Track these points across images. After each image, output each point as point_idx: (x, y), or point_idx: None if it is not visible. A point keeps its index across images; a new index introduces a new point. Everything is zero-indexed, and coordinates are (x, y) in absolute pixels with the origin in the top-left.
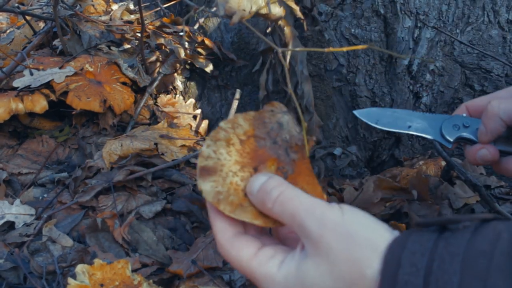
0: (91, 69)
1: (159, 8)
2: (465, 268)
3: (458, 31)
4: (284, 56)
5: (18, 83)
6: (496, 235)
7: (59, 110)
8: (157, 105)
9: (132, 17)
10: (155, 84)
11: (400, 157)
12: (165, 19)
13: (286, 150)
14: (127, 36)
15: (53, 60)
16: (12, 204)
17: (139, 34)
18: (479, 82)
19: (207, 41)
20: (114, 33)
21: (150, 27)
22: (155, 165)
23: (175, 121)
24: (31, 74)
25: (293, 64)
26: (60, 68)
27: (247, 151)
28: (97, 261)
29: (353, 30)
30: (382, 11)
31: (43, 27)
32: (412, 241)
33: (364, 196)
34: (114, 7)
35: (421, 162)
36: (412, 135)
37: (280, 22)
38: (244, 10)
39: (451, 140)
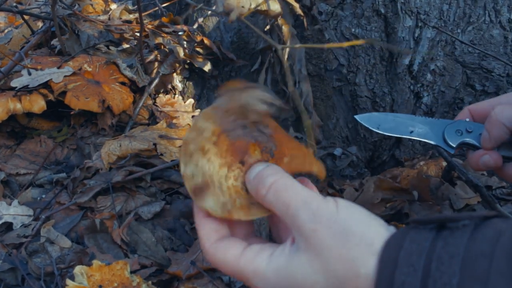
0: (89, 69)
1: (157, 8)
2: (464, 269)
3: (459, 30)
4: (280, 54)
5: (16, 83)
6: (496, 235)
7: (57, 110)
8: (156, 105)
9: (131, 16)
10: (154, 84)
11: (400, 158)
12: (164, 19)
13: (259, 129)
14: (126, 35)
15: (51, 60)
16: (10, 205)
17: (138, 34)
18: (480, 82)
19: (206, 41)
20: (112, 32)
21: (149, 26)
22: (154, 166)
23: (174, 121)
24: (29, 74)
25: (291, 63)
26: (58, 68)
27: (224, 149)
28: (95, 262)
29: (353, 30)
30: (382, 11)
31: (41, 27)
32: (409, 240)
33: (365, 197)
34: (113, 6)
35: (421, 163)
36: None
37: (278, 21)
38: (243, 7)
39: (454, 145)
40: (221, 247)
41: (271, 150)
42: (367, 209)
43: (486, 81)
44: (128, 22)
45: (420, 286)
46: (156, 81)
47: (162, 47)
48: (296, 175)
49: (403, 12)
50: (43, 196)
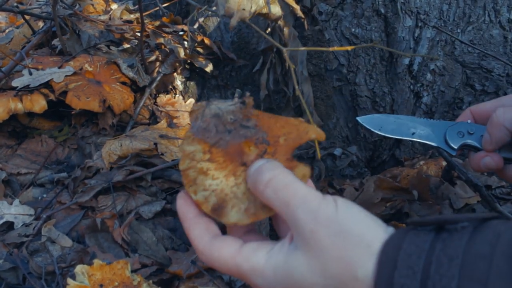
0: (90, 69)
1: (158, 8)
2: (463, 272)
3: (459, 30)
4: (285, 56)
5: (17, 82)
6: (495, 237)
7: (58, 110)
8: (156, 105)
9: (132, 16)
10: (154, 83)
11: (400, 157)
12: (164, 19)
13: (243, 125)
14: (127, 35)
15: (52, 60)
16: (11, 204)
17: (138, 34)
18: (480, 82)
19: (206, 41)
20: (113, 32)
21: (150, 26)
22: (155, 165)
23: (174, 121)
24: (30, 73)
25: (292, 63)
26: (59, 67)
27: (222, 161)
28: (96, 262)
29: (353, 30)
30: (382, 11)
31: (42, 27)
32: (408, 241)
33: (365, 196)
34: (114, 6)
35: (421, 162)
36: None
37: (279, 22)
38: (244, 9)
39: (456, 147)
40: (216, 246)
41: (264, 139)
42: (367, 209)
43: (486, 81)
44: (129, 22)
45: None
46: (157, 81)
47: (163, 47)
48: (298, 149)
49: (403, 12)
50: (44, 195)
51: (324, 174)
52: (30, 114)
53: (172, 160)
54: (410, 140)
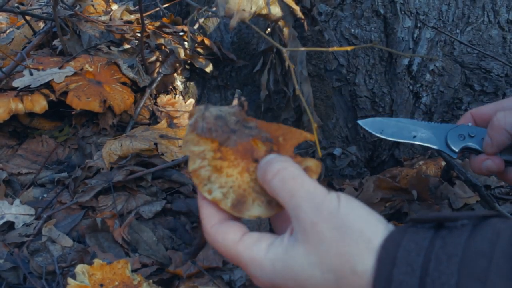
0: (91, 69)
1: (158, 9)
2: (463, 270)
3: (458, 31)
4: (285, 57)
5: (17, 83)
6: (495, 235)
7: (59, 110)
8: (157, 105)
9: (132, 17)
10: (155, 84)
11: (400, 157)
12: (165, 19)
13: (247, 126)
14: (127, 36)
15: (53, 60)
16: (11, 204)
17: (139, 34)
18: (479, 82)
19: (206, 41)
20: (114, 33)
21: (150, 27)
22: (155, 165)
23: (175, 121)
24: (31, 74)
25: (292, 64)
26: (59, 68)
27: (233, 158)
28: (97, 261)
29: (353, 30)
30: (382, 11)
31: (43, 27)
32: (408, 238)
33: (364, 196)
34: (114, 7)
35: (421, 162)
36: None
37: (279, 23)
38: (244, 10)
39: (457, 150)
40: (221, 230)
41: (268, 138)
42: None
43: (485, 81)
44: (129, 22)
45: (418, 285)
46: (157, 81)
47: (163, 47)
48: (297, 148)
49: (402, 12)
50: (45, 195)
51: (324, 174)
52: (31, 114)
53: (172, 160)
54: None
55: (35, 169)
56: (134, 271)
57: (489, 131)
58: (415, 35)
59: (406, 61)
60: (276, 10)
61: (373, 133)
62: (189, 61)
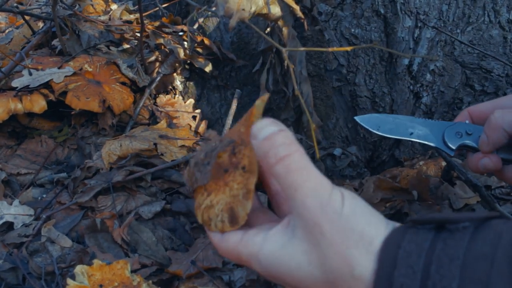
0: (90, 69)
1: (158, 8)
2: (464, 273)
3: (458, 31)
4: (284, 56)
5: (17, 83)
6: (497, 237)
7: (58, 110)
8: (156, 105)
9: (131, 17)
10: (154, 84)
11: (400, 158)
12: (164, 19)
13: (213, 149)
14: (126, 36)
15: (52, 60)
16: (11, 204)
17: (138, 34)
18: (479, 82)
19: (206, 41)
20: (113, 33)
21: (150, 27)
22: (155, 166)
23: (174, 121)
24: (30, 74)
25: (292, 64)
26: (59, 68)
27: (214, 185)
28: (96, 262)
29: (353, 30)
30: (382, 11)
31: (42, 27)
32: (408, 240)
33: (364, 197)
34: (113, 6)
35: (421, 163)
36: None
37: (279, 23)
38: (243, 10)
39: (454, 147)
40: (225, 238)
41: (229, 141)
42: None
43: (486, 81)
44: (129, 22)
45: None
46: (157, 81)
47: (163, 47)
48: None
49: (403, 12)
50: (44, 195)
51: (324, 174)
52: (30, 115)
53: (172, 161)
54: (410, 141)
55: (34, 169)
56: (133, 271)
57: (485, 129)
58: (416, 35)
59: (406, 61)
60: (275, 10)
61: (370, 129)
62: (188, 61)
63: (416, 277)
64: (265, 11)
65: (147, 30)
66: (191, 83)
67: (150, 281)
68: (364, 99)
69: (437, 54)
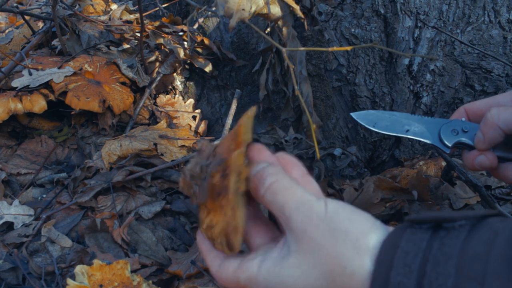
0: (90, 69)
1: (158, 8)
2: (460, 271)
3: (458, 31)
4: (284, 56)
5: (17, 83)
6: (492, 235)
7: (58, 110)
8: (156, 105)
9: (131, 16)
10: (154, 84)
11: (400, 158)
12: (164, 19)
13: (208, 165)
14: (127, 36)
15: (52, 60)
16: (11, 204)
17: (138, 34)
18: (479, 82)
19: (206, 41)
20: (113, 33)
21: (150, 27)
22: (155, 166)
23: (174, 121)
24: (30, 74)
25: (292, 64)
26: (59, 68)
27: (211, 204)
28: (96, 262)
29: (353, 30)
30: (382, 11)
31: (42, 27)
32: (406, 240)
33: (364, 197)
34: (113, 6)
35: (421, 163)
36: None
37: (279, 23)
38: (243, 10)
39: (450, 145)
40: (223, 267)
41: (220, 159)
42: (367, 209)
43: (486, 81)
44: (129, 22)
45: (415, 287)
46: (157, 81)
47: (163, 47)
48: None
49: (403, 12)
50: (44, 195)
51: (324, 174)
52: (30, 115)
53: (172, 161)
54: (407, 139)
55: (34, 169)
56: (133, 271)
57: (481, 127)
58: (416, 35)
59: (406, 61)
60: (275, 10)
61: (366, 126)
62: (188, 61)
63: (413, 276)
64: (265, 11)
65: (147, 30)
66: (191, 83)
67: (150, 281)
68: (364, 99)
69: (437, 54)
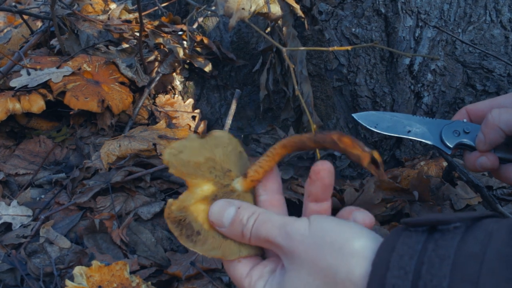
0: (89, 69)
1: (157, 8)
2: (455, 272)
3: (459, 30)
4: (285, 56)
5: (15, 83)
6: (487, 236)
7: (57, 110)
8: (155, 105)
9: (131, 16)
10: (153, 84)
11: (401, 158)
12: (163, 19)
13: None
14: (126, 35)
15: (51, 60)
16: (9, 205)
17: (137, 34)
18: (481, 82)
19: (206, 41)
20: (112, 32)
21: (149, 26)
22: (154, 166)
23: (173, 121)
24: (28, 73)
25: (292, 64)
26: (57, 67)
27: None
28: (95, 263)
29: (353, 30)
30: (383, 10)
31: (41, 27)
32: (401, 243)
33: (365, 197)
34: (112, 6)
35: (422, 163)
36: None
37: (279, 22)
38: (243, 9)
39: (451, 146)
40: (236, 267)
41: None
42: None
43: (487, 81)
44: (128, 22)
45: None
46: (156, 81)
47: (162, 47)
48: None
49: (404, 11)
50: (42, 196)
51: None
52: (28, 115)
53: None
54: (408, 140)
55: (33, 169)
56: (132, 272)
57: (482, 128)
58: (417, 35)
59: (407, 61)
60: (276, 9)
61: (367, 126)
62: (188, 61)
63: (408, 278)
64: (265, 10)
65: (146, 29)
66: (191, 83)
67: (149, 282)
68: (364, 99)
69: (438, 53)
